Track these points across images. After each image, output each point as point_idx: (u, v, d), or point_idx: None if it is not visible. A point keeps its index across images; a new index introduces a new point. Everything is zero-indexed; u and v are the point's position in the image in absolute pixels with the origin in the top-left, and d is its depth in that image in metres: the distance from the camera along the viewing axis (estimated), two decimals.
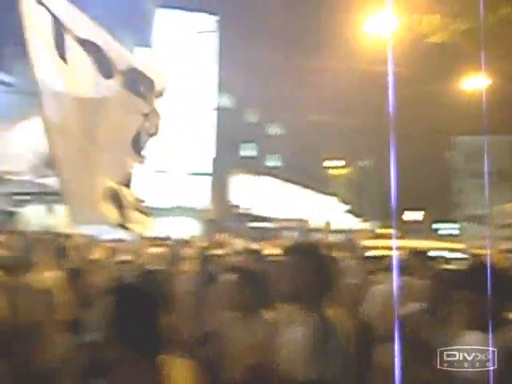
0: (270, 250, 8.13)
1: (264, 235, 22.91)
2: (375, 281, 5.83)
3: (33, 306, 4.41)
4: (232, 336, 3.58)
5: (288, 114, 40.66)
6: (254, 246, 8.71)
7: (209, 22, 38.68)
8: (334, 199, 49.77)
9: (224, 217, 34.43)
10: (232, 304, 3.82)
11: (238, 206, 39.00)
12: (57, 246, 5.85)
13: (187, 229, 27.52)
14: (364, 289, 5.69)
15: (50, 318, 4.48)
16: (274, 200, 41.51)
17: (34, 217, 26.48)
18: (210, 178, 37.36)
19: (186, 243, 10.74)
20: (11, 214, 29.94)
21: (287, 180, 44.40)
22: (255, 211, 39.48)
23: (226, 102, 40.22)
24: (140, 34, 36.68)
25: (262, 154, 44.79)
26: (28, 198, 27.78)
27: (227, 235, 13.09)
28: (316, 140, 44.82)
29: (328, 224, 31.14)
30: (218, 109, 38.50)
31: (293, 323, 2.79)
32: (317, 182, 47.88)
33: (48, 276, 4.76)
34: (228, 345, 3.52)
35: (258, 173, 40.89)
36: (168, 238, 12.18)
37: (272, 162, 46.58)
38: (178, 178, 35.01)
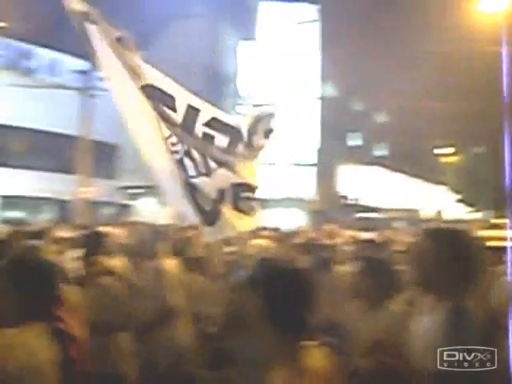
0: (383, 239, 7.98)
1: (372, 226, 22.55)
2: (497, 272, 5.56)
3: (162, 293, 4.59)
4: (358, 326, 3.52)
5: (394, 101, 39.62)
6: (369, 235, 8.56)
7: (310, 11, 38.53)
8: (444, 188, 48.11)
9: (331, 207, 34.24)
10: (357, 293, 3.75)
11: (345, 197, 38.66)
12: (174, 236, 6.06)
13: (295, 220, 27.65)
14: (486, 280, 5.43)
15: (178, 304, 4.64)
16: (381, 190, 40.80)
17: (147, 209, 27.76)
18: (316, 169, 37.24)
19: (295, 233, 10.77)
20: (125, 206, 31.57)
21: (395, 169, 43.46)
22: (363, 201, 38.98)
23: (330, 91, 39.88)
24: (244, 28, 37.22)
25: (368, 143, 44.07)
26: (141, 191, 29.19)
27: (336, 226, 12.95)
28: (424, 127, 43.44)
29: (439, 213, 30.13)
30: (322, 98, 38.27)
31: (425, 313, 2.70)
32: (426, 170, 46.51)
33: (169, 264, 4.95)
34: (355, 335, 3.47)
35: (365, 162, 40.29)
36: (277, 229, 12.24)
37: (379, 150, 45.73)
38: (285, 169, 35.19)
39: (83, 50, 5.44)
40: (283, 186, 34.40)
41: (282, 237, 9.45)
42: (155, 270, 4.74)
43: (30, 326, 2.62)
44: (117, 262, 5.26)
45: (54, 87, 26.62)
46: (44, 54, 29.11)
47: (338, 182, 39.28)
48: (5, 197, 25.91)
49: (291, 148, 35.84)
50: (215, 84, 35.28)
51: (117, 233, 7.04)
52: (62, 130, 27.58)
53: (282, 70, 36.68)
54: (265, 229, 10.44)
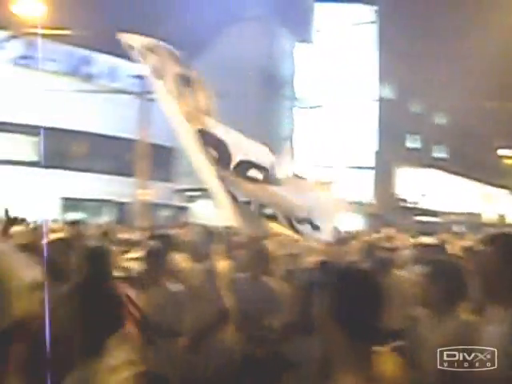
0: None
1: (431, 229, 22.08)
2: None
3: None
4: (424, 334, 3.34)
5: (454, 102, 38.65)
6: (428, 239, 8.32)
7: (367, 12, 38.14)
8: (504, 192, 46.73)
9: (389, 211, 33.72)
10: (422, 299, 3.56)
11: (403, 200, 38.00)
12: (228, 238, 6.06)
13: (352, 223, 27.33)
14: None
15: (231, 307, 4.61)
16: (441, 193, 39.91)
17: (203, 211, 28.02)
18: (373, 172, 36.78)
19: (353, 237, 10.63)
20: (182, 208, 32.02)
21: (454, 172, 42.43)
22: (421, 205, 38.23)
23: (388, 92, 39.31)
24: (300, 30, 37.14)
25: (427, 145, 43.16)
26: (198, 193, 29.52)
27: (394, 229, 12.72)
28: (485, 128, 42.25)
29: (502, 217, 29.08)
30: (380, 100, 37.77)
31: (492, 322, 2.54)
32: (486, 173, 45.20)
33: (223, 265, 4.93)
34: (419, 344, 3.29)
35: (424, 165, 39.49)
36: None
37: (438, 153, 44.76)
38: (343, 172, 34.89)
39: None
40: (340, 189, 34.05)
41: (339, 240, 9.33)
42: (209, 272, 4.72)
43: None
44: (181, 264, 5.27)
45: (113, 92, 27.26)
46: (104, 60, 29.82)
47: (396, 185, 38.66)
48: (66, 199, 26.66)
49: (349, 151, 35.50)
50: (272, 87, 35.32)
51: (177, 235, 7.10)
52: (121, 134, 28.19)
53: (339, 71, 36.41)
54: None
